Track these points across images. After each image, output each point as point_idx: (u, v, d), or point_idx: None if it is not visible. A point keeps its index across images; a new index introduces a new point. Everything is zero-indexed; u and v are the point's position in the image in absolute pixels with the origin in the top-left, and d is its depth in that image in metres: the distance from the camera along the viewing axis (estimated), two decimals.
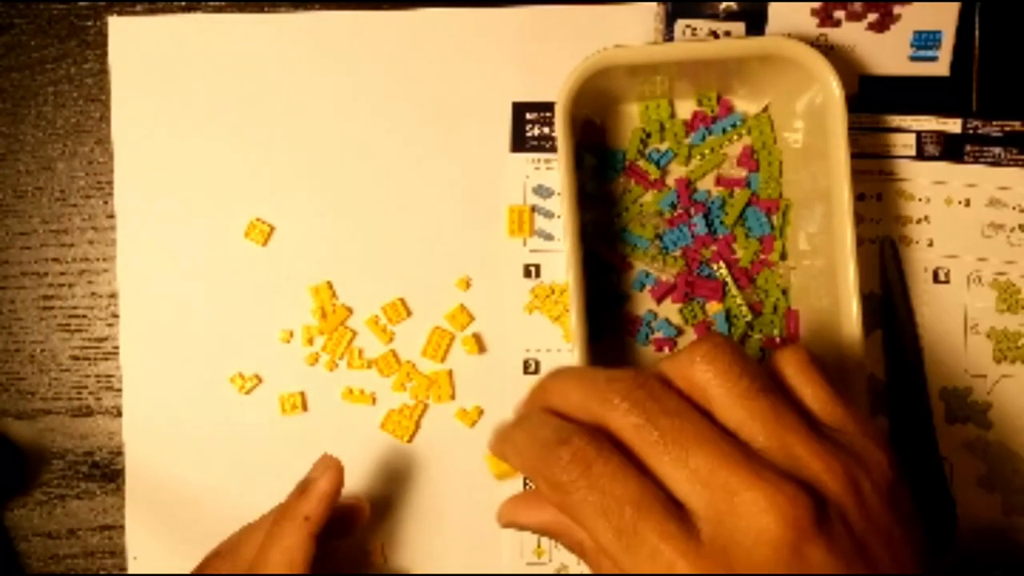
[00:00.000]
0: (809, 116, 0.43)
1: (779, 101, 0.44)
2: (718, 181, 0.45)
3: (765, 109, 0.45)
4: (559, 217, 0.45)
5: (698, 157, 0.45)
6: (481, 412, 0.45)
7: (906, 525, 0.29)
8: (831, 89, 0.40)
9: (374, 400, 0.45)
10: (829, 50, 0.45)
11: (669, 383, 0.30)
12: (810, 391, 0.30)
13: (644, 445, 0.28)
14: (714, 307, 0.44)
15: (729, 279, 0.44)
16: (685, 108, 0.45)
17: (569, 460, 0.28)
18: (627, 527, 0.27)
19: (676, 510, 0.27)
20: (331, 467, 0.39)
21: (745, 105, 0.45)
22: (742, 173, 0.45)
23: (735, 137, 0.45)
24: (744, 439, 0.28)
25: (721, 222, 0.44)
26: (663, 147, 0.45)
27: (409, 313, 0.45)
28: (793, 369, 0.31)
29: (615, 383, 0.29)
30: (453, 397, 0.45)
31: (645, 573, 0.27)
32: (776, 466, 0.27)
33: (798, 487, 0.27)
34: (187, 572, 0.40)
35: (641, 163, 0.45)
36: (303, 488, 0.39)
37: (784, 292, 0.44)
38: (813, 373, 0.30)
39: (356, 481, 0.45)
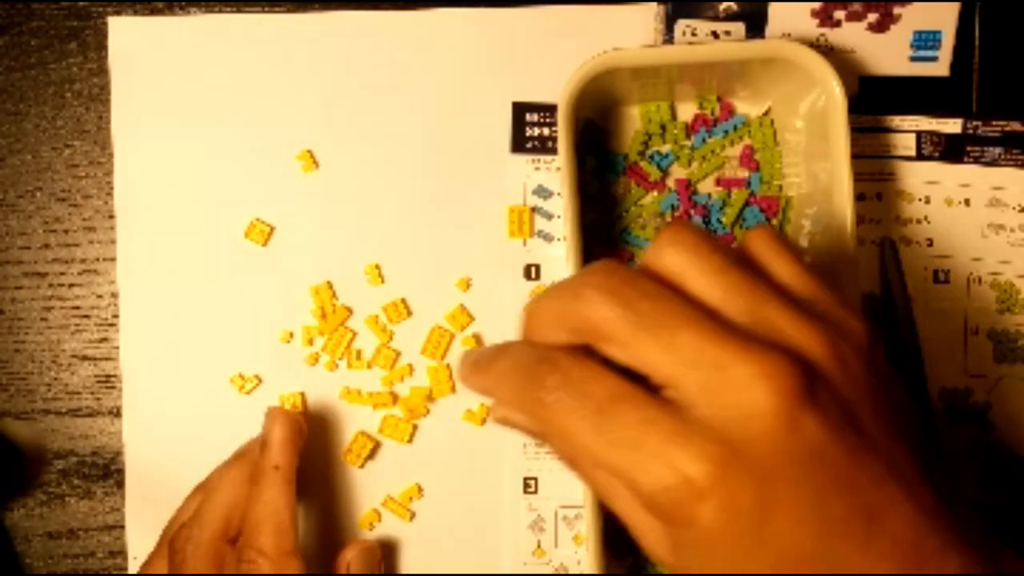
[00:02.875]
0: (810, 118, 0.43)
1: (781, 104, 0.44)
2: (718, 182, 0.45)
3: (767, 112, 0.45)
4: (559, 218, 0.45)
5: (699, 159, 0.45)
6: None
7: (889, 390, 0.28)
8: (833, 92, 0.40)
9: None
10: (829, 51, 0.45)
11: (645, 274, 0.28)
12: (781, 266, 0.29)
13: (626, 333, 0.27)
14: None
15: None
16: (686, 110, 0.45)
17: (549, 374, 0.27)
18: (604, 421, 0.26)
19: (659, 398, 0.26)
20: (278, 415, 0.41)
21: (746, 107, 0.45)
22: (743, 174, 0.45)
23: (736, 139, 0.45)
24: (725, 317, 0.27)
25: (720, 222, 0.44)
26: (664, 149, 0.45)
27: (409, 313, 0.45)
28: (763, 246, 0.30)
29: (587, 277, 0.28)
30: (454, 390, 0.45)
31: (631, 466, 0.26)
32: (762, 339, 0.26)
33: (786, 357, 0.26)
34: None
35: (642, 165, 0.45)
36: (263, 444, 0.40)
37: None
38: (781, 249, 0.30)
39: (354, 481, 0.45)
